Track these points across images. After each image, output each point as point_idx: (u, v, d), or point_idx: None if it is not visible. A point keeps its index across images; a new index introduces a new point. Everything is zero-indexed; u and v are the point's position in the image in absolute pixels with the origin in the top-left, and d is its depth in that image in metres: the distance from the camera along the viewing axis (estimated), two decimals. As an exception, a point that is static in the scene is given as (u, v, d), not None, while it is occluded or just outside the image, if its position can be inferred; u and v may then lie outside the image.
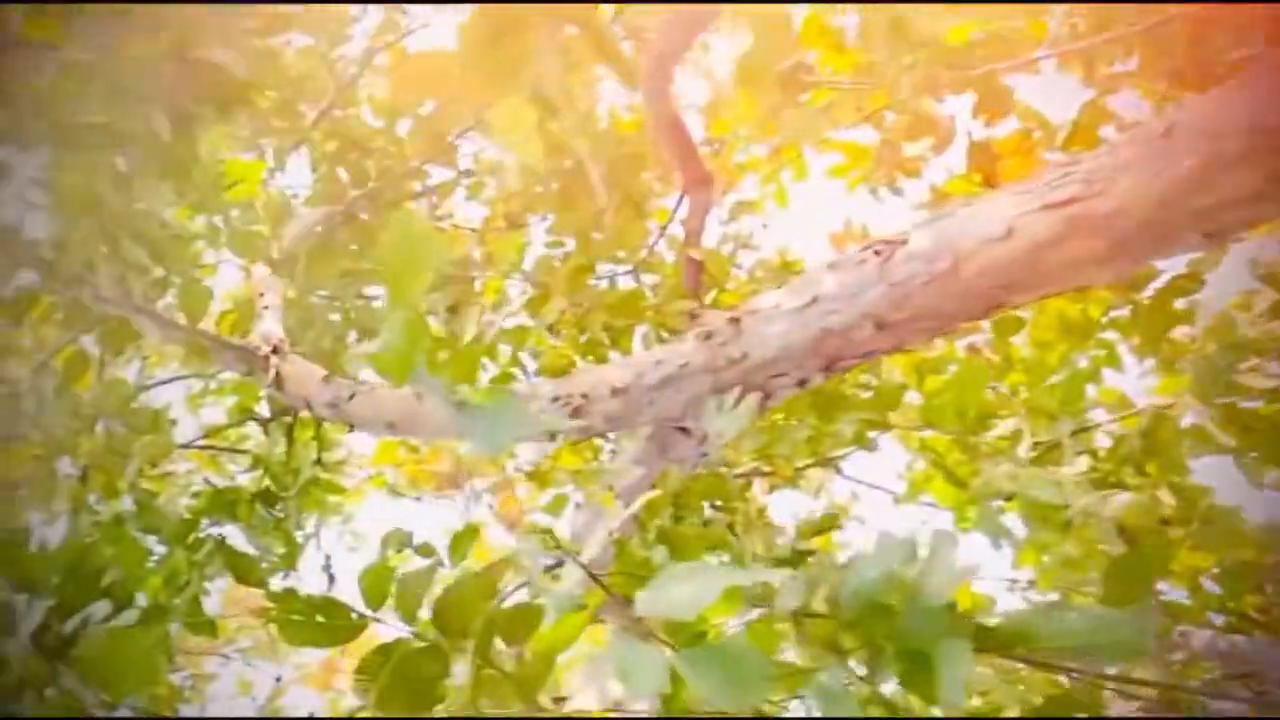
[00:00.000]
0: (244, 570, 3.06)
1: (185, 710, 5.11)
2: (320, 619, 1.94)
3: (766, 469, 5.14)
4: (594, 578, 1.50)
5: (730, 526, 4.71)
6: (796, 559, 1.66)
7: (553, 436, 2.24)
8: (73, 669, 2.15)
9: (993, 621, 1.40)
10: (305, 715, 5.89)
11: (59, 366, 3.92)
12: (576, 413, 2.35)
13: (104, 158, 2.75)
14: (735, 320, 1.96)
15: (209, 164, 3.51)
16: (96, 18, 2.48)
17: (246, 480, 4.34)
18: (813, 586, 1.42)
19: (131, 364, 5.15)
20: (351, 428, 2.88)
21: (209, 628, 2.94)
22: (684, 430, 2.26)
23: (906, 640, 1.37)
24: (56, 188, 2.77)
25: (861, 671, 1.50)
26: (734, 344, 1.96)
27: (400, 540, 2.12)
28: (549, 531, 1.63)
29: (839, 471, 5.51)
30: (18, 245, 3.11)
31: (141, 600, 2.80)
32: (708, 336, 2.01)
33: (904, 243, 1.71)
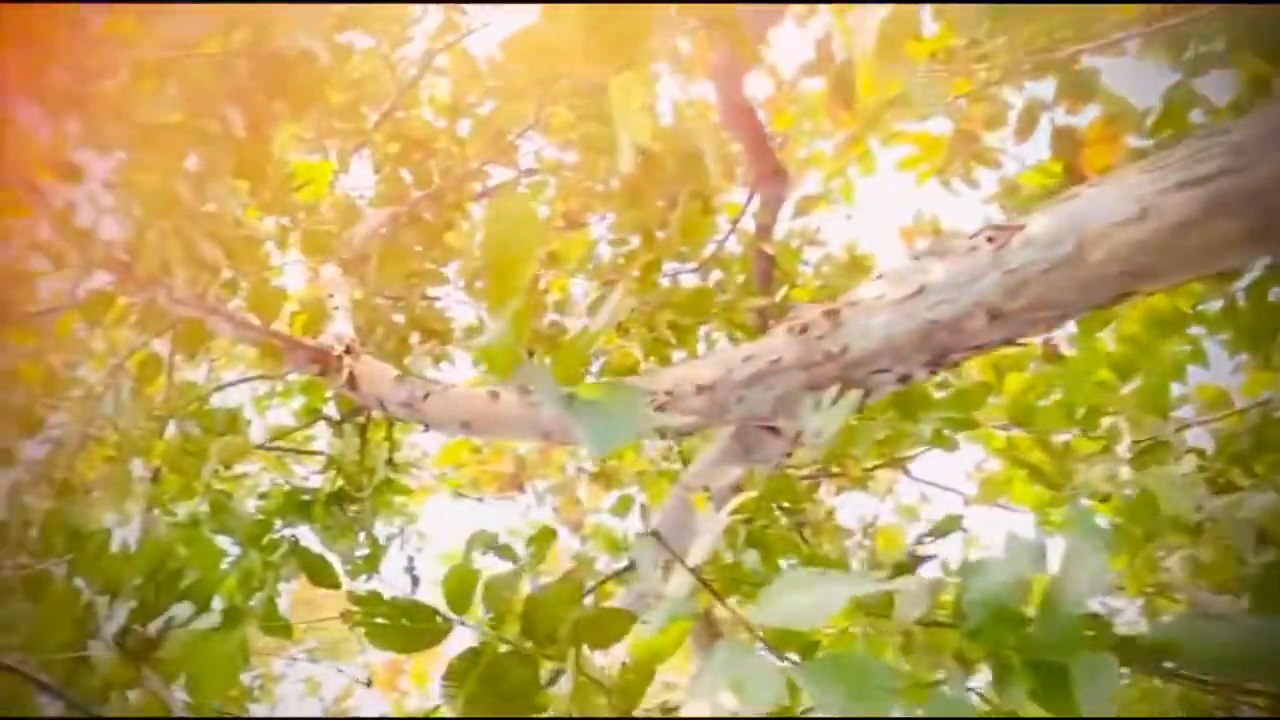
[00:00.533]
0: (319, 571, 3.04)
1: (255, 710, 5.12)
2: (405, 622, 1.90)
3: (834, 470, 5.02)
4: (704, 584, 1.42)
5: (798, 529, 4.61)
6: (912, 565, 1.57)
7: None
8: (156, 671, 2.14)
9: (1133, 632, 1.30)
10: (374, 716, 5.90)
11: (132, 369, 3.95)
12: (660, 411, 2.28)
13: (180, 157, 2.74)
14: (833, 313, 1.87)
15: (279, 165, 3.51)
16: (173, 15, 2.46)
17: (315, 481, 4.36)
18: (933, 594, 1.33)
19: (200, 367, 5.21)
20: (426, 427, 2.84)
21: (284, 629, 2.93)
22: (772, 429, 2.18)
23: (1040, 651, 1.28)
24: (133, 189, 2.77)
25: (980, 684, 1.41)
26: (832, 338, 1.87)
27: (486, 541, 2.06)
28: (655, 534, 1.56)
29: (907, 473, 5.38)
30: (93, 247, 3.12)
31: (217, 602, 2.79)
32: (802, 330, 1.92)
33: (1021, 227, 1.61)
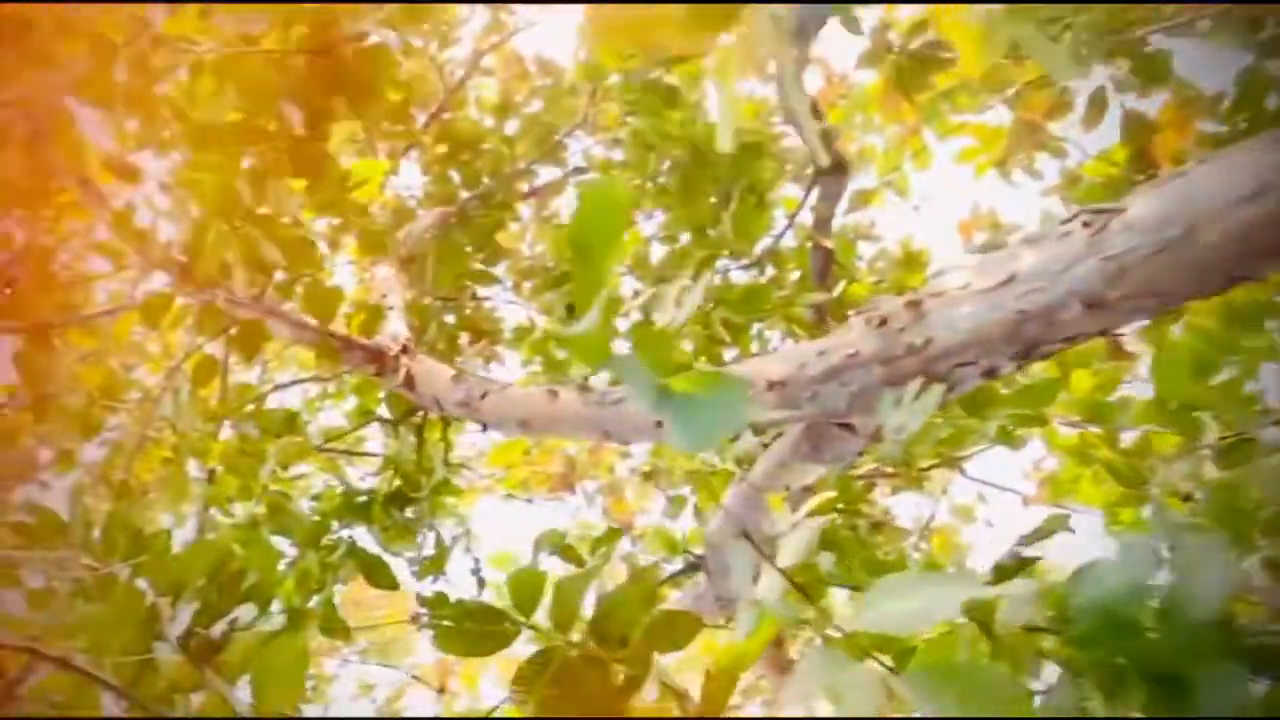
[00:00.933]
0: (377, 573, 3.01)
1: (309, 710, 5.13)
2: (473, 626, 1.85)
3: (890, 470, 4.92)
4: (798, 587, 1.36)
5: (853, 529, 4.52)
6: (1016, 567, 1.50)
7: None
8: (220, 673, 2.12)
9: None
10: (426, 717, 5.90)
11: (188, 371, 3.97)
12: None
13: (238, 157, 2.73)
14: (915, 304, 1.80)
15: (334, 164, 3.49)
16: (231, 13, 2.45)
17: (368, 483, 4.36)
18: (1038, 598, 1.25)
19: (253, 369, 5.23)
20: (484, 427, 2.80)
21: (344, 631, 2.91)
22: (845, 427, 2.11)
23: (1160, 661, 1.20)
24: (192, 189, 2.76)
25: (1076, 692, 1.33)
26: (914, 330, 1.79)
27: (553, 542, 2.01)
28: (746, 535, 1.50)
29: (963, 472, 5.26)
30: (152, 249, 3.13)
31: (275, 604, 2.77)
32: (881, 323, 1.85)
33: (1119, 210, 1.52)
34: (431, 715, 5.95)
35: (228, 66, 2.59)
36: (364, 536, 3.64)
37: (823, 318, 4.00)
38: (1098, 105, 3.44)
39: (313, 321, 3.20)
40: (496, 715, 2.98)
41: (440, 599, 1.92)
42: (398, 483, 3.13)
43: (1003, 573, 1.33)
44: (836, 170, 3.38)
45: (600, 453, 5.89)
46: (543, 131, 5.57)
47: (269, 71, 2.61)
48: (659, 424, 2.32)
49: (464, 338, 5.07)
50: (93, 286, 3.85)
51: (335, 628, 2.87)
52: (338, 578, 2.98)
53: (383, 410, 4.35)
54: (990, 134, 4.39)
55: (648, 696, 1.55)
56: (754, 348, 4.64)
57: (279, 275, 3.28)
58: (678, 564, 4.39)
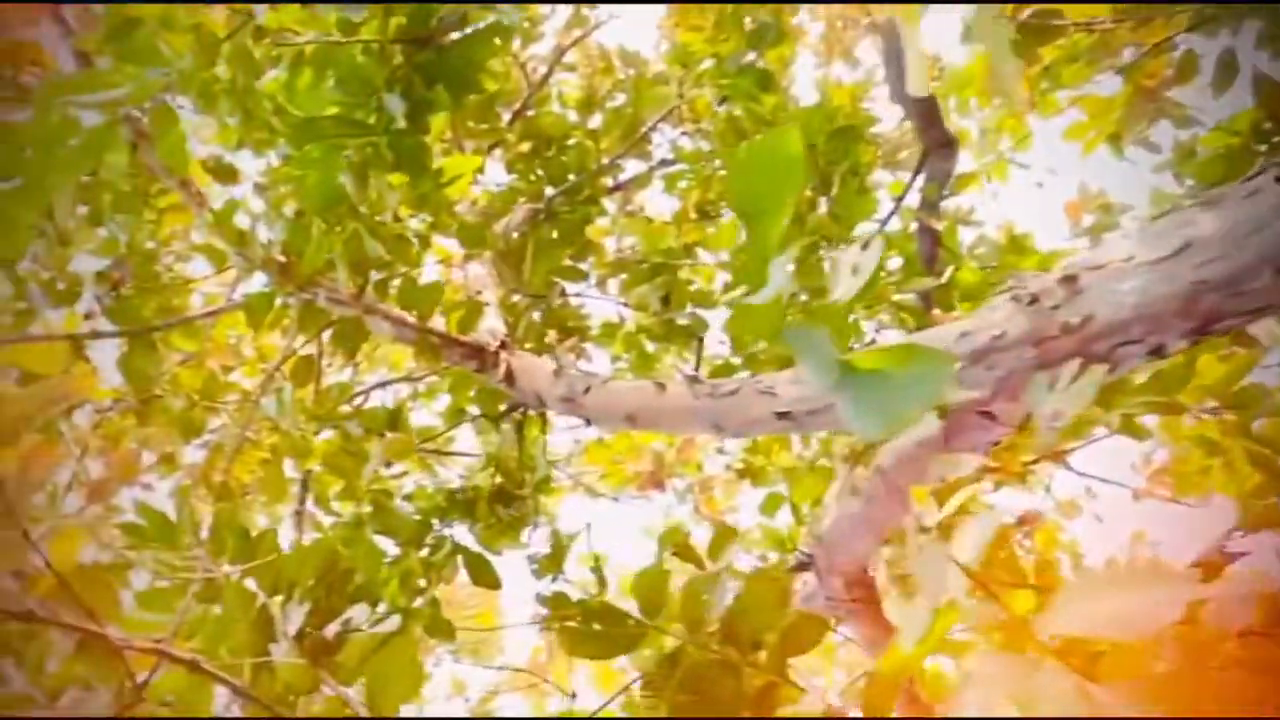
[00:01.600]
0: (481, 571, 2.96)
1: (404, 710, 5.09)
2: (599, 627, 1.77)
3: (992, 464, 4.71)
4: (984, 588, 1.24)
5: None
6: (1224, 563, 1.36)
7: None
8: (337, 676, 2.07)
9: None
10: (520, 717, 5.86)
11: (286, 372, 3.98)
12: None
13: (339, 151, 2.69)
14: (1070, 279, 1.65)
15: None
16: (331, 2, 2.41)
17: (456, 482, 4.33)
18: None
19: (344, 370, 5.26)
20: (587, 422, 2.72)
21: (449, 631, 2.86)
22: (986, 414, 1.97)
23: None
24: (295, 185, 2.74)
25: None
26: (1069, 307, 1.65)
27: (678, 539, 1.92)
28: (903, 534, 1.38)
29: (1068, 466, 5.01)
30: (254, 249, 3.12)
31: (381, 605, 2.73)
32: (1032, 301, 1.71)
33: (1319, 164, 1.37)
34: (525, 716, 5.92)
35: (327, 58, 2.55)
36: (462, 535, 3.61)
37: (930, 305, 3.84)
38: (1227, 69, 3.22)
39: (411, 319, 3.16)
40: (596, 716, 2.89)
41: (561, 599, 1.84)
42: (499, 480, 3.08)
43: (1209, 570, 1.20)
44: (945, 149, 3.22)
45: (689, 450, 5.79)
46: (627, 125, 5.49)
47: (368, 62, 2.57)
48: (780, 415, 2.20)
49: (551, 335, 5.03)
50: (194, 289, 3.89)
51: (440, 628, 2.83)
52: (441, 577, 2.94)
53: (475, 408, 4.33)
54: (1101, 106, 4.16)
55: (810, 705, 1.44)
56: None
57: (375, 273, 3.26)
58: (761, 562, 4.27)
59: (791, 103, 4.59)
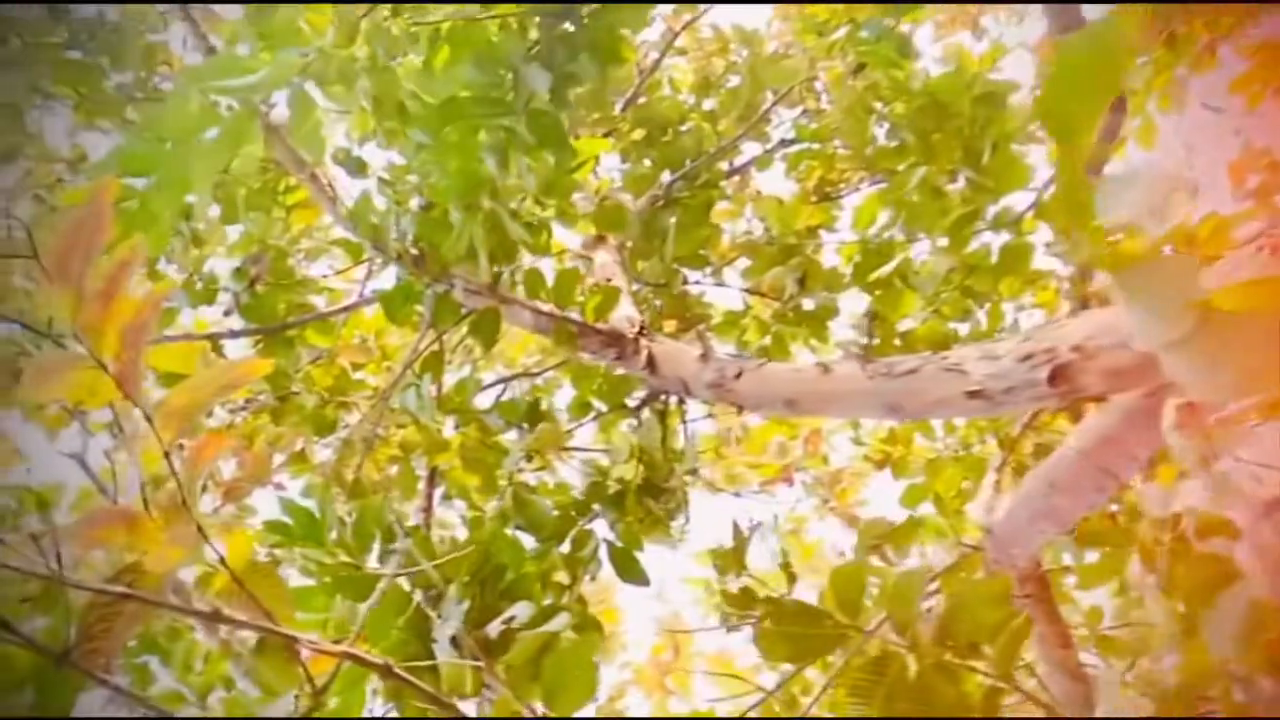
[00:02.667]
0: (628, 567, 2.83)
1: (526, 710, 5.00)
2: (795, 628, 1.61)
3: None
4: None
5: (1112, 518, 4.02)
6: None
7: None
8: (506, 676, 1.97)
9: None
10: (645, 717, 5.75)
11: (417, 367, 3.93)
12: (1060, 374, 1.88)
13: (476, 132, 2.59)
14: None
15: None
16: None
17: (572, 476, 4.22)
18: None
19: (463, 366, 5.22)
20: (739, 409, 2.57)
21: (596, 629, 2.74)
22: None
23: None
24: (436, 171, 2.66)
25: None
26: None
27: (880, 532, 1.74)
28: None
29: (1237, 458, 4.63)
30: (388, 241, 3.06)
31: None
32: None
33: None
34: (653, 716, 5.80)
35: (464, 35, 2.45)
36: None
37: (1086, 279, 3.55)
38: None
39: (546, 306, 3.06)
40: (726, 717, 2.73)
41: (749, 596, 1.69)
42: (642, 473, 2.94)
43: None
44: (1115, 109, 2.95)
45: (816, 441, 5.58)
46: (744, 107, 5.31)
47: (507, 37, 2.46)
48: (971, 394, 2.01)
49: (671, 326, 4.89)
50: (325, 286, 3.88)
51: (588, 626, 2.71)
52: (587, 572, 2.82)
53: (596, 401, 4.21)
54: (1274, 54, 3.80)
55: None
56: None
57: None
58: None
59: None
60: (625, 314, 3.10)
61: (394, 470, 4.78)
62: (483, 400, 4.24)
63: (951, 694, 1.53)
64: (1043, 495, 2.47)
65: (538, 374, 4.98)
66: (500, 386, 4.88)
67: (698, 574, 6.56)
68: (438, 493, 4.33)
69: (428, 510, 4.71)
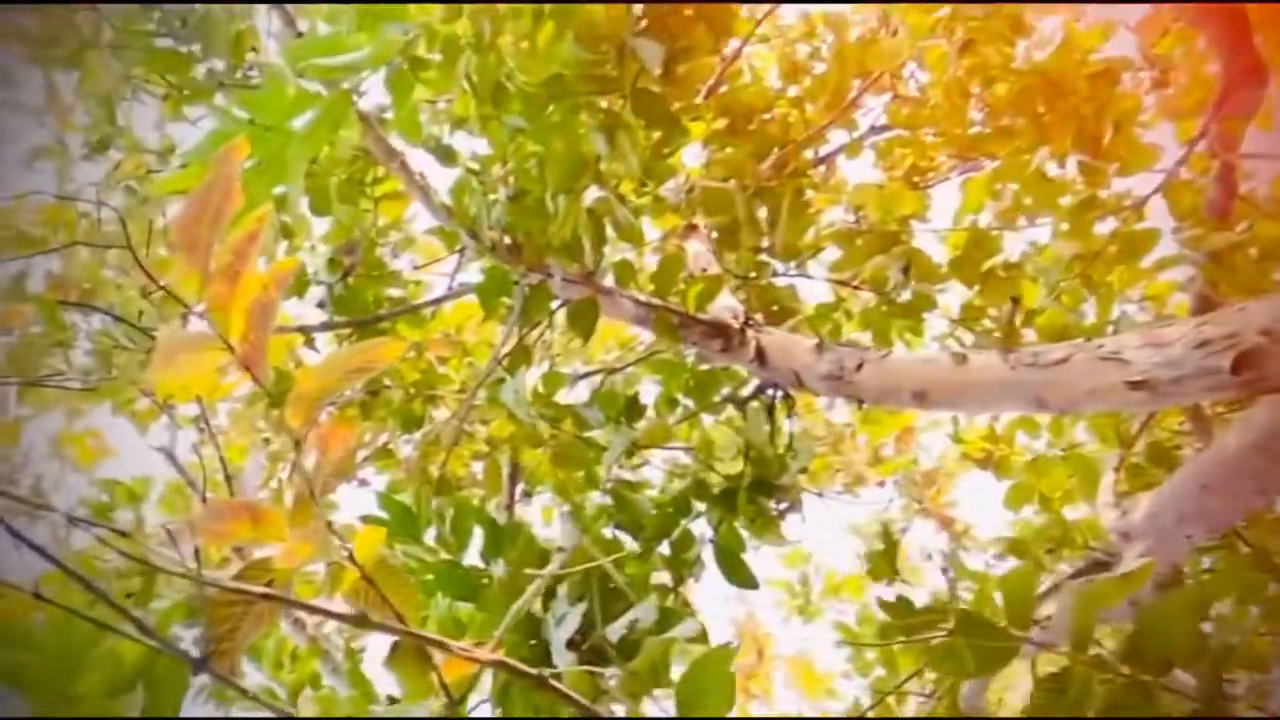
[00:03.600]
0: (736, 569, 2.70)
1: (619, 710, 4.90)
2: (965, 640, 1.46)
3: None
4: None
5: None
6: None
7: None
8: (630, 684, 1.84)
9: None
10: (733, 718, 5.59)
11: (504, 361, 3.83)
12: (1245, 361, 1.70)
13: (581, 111, 2.47)
14: None
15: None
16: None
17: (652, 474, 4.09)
18: None
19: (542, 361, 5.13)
20: (860, 403, 2.42)
21: (703, 635, 2.60)
22: None
23: None
24: (539, 154, 2.55)
25: None
26: None
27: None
28: None
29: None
30: (482, 231, 2.96)
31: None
32: None
33: None
34: (761, 717, 5.67)
35: (568, 9, 2.34)
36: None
37: (1218, 263, 3.32)
38: None
39: (645, 297, 2.93)
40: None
41: (905, 606, 1.54)
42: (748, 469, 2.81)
43: None
44: (1254, 76, 2.74)
45: (907, 440, 5.38)
46: (832, 93, 5.13)
47: (614, 12, 2.34)
48: (1133, 385, 1.83)
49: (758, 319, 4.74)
50: (412, 279, 3.81)
51: (696, 633, 2.58)
52: (691, 574, 2.70)
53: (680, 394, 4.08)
54: None
55: None
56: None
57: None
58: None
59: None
60: (726, 304, 2.96)
61: (478, 466, 4.73)
62: (566, 396, 4.14)
63: (1145, 713, 1.36)
64: (1193, 496, 2.28)
65: (618, 369, 4.87)
66: (581, 382, 4.79)
67: (780, 575, 6.42)
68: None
69: (510, 508, 4.63)
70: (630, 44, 2.29)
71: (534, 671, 1.18)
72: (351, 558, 1.31)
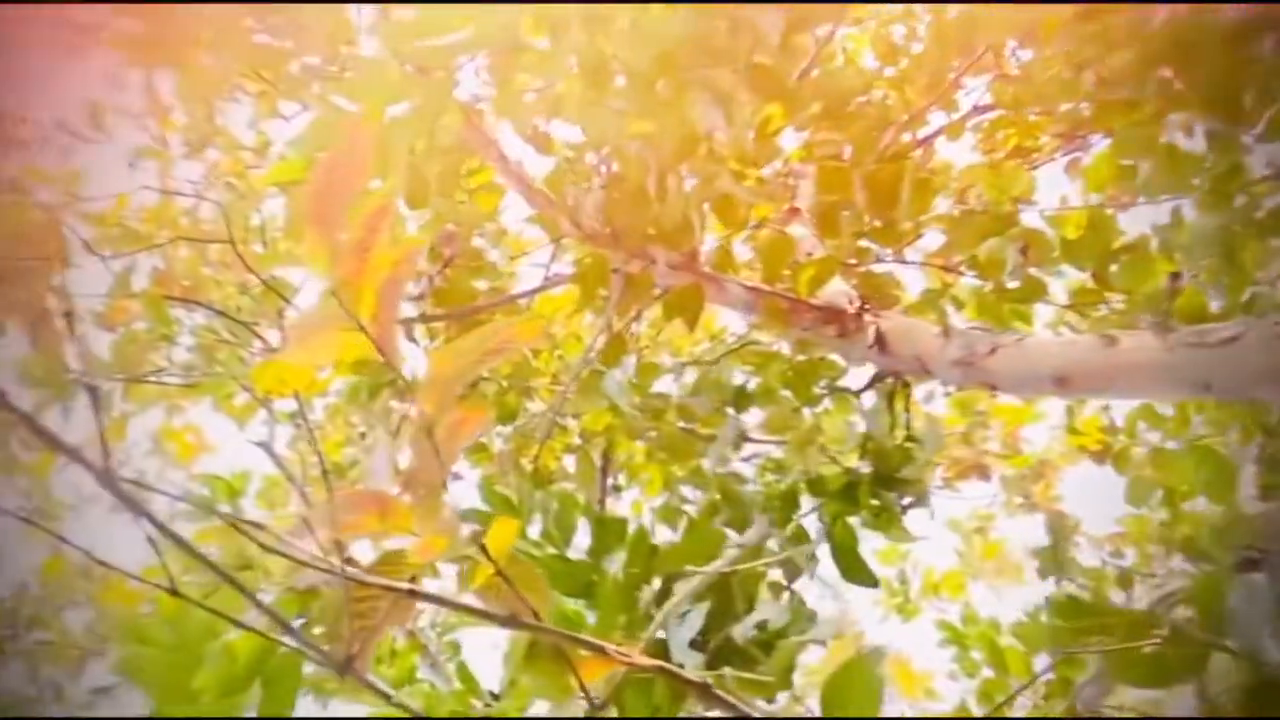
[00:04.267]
0: (858, 568, 2.56)
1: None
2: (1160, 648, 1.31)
3: None
4: None
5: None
6: None
7: None
8: (759, 688, 1.74)
9: None
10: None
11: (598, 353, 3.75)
12: None
13: (690, 87, 2.37)
14: None
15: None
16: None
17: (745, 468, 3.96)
18: None
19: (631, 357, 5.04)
20: (993, 390, 2.26)
21: (838, 637, 2.48)
22: None
23: None
24: (650, 134, 2.45)
25: None
26: None
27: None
28: None
29: None
30: (582, 218, 2.88)
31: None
32: None
33: None
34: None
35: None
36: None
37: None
38: None
39: (751, 282, 2.82)
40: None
41: (1075, 605, 1.40)
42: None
43: None
44: None
45: (1014, 430, 5.15)
46: (931, 74, 4.94)
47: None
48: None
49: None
50: (507, 270, 3.75)
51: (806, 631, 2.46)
52: (806, 571, 2.57)
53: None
54: None
55: None
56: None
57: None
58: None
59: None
60: (840, 288, 2.83)
61: (569, 460, 4.67)
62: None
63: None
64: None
65: (710, 362, 4.75)
66: (670, 375, 4.69)
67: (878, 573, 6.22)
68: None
69: (601, 502, 4.56)
70: (744, 15, 2.17)
71: (698, 678, 1.08)
72: (485, 551, 1.23)
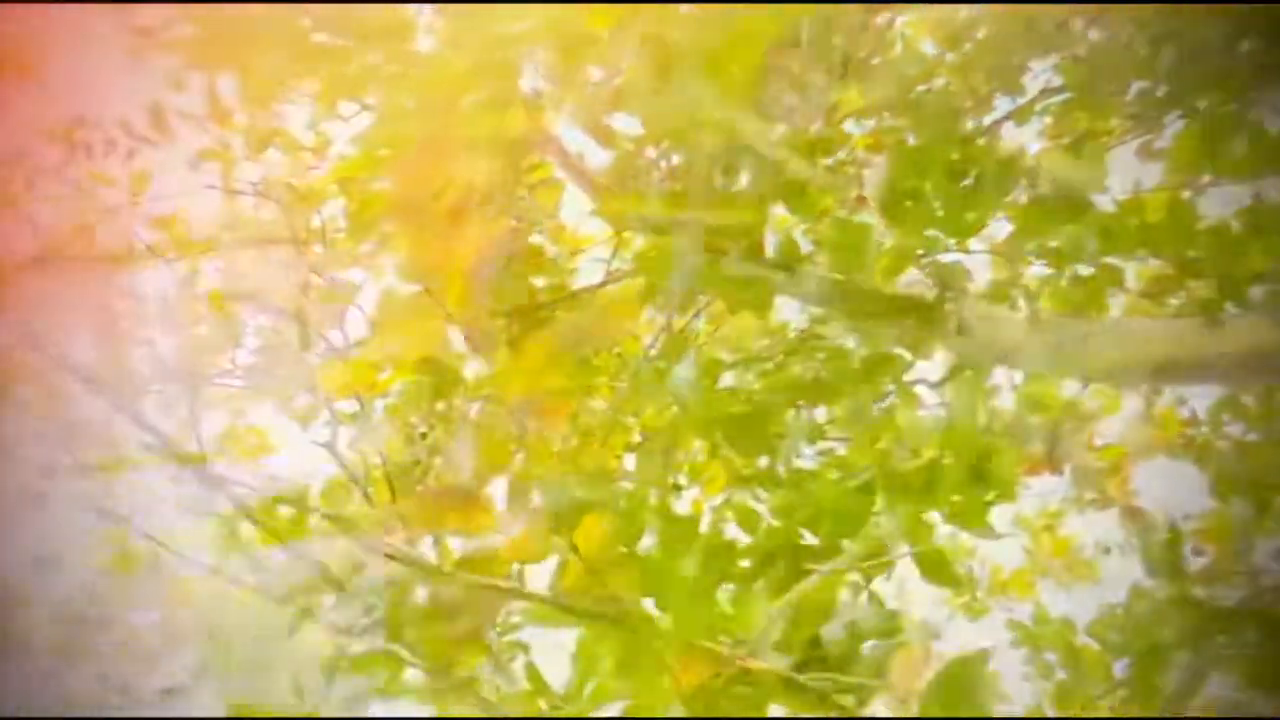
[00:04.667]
0: (940, 567, 2.47)
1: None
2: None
3: None
4: None
5: None
6: None
7: None
8: (858, 689, 1.66)
9: None
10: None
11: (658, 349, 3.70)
12: None
13: (760, 72, 2.29)
14: None
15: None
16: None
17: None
18: None
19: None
20: (1085, 380, 2.16)
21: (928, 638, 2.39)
22: None
23: None
24: (719, 122, 2.39)
25: None
26: None
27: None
28: None
29: None
30: (650, 208, 2.82)
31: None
32: None
33: None
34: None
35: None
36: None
37: None
38: None
39: (823, 271, 2.73)
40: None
41: (1204, 608, 1.30)
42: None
43: None
44: None
45: (1085, 423, 4.98)
46: (994, 58, 4.81)
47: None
48: None
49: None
50: (569, 266, 3.71)
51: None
52: (884, 571, 2.48)
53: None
54: None
55: None
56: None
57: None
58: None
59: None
60: (915, 278, 2.74)
61: (629, 458, 4.61)
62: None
63: None
64: None
65: (768, 357, 4.67)
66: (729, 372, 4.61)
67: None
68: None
69: (663, 499, 4.48)
70: None
71: (817, 683, 1.01)
72: (576, 549, 1.17)
